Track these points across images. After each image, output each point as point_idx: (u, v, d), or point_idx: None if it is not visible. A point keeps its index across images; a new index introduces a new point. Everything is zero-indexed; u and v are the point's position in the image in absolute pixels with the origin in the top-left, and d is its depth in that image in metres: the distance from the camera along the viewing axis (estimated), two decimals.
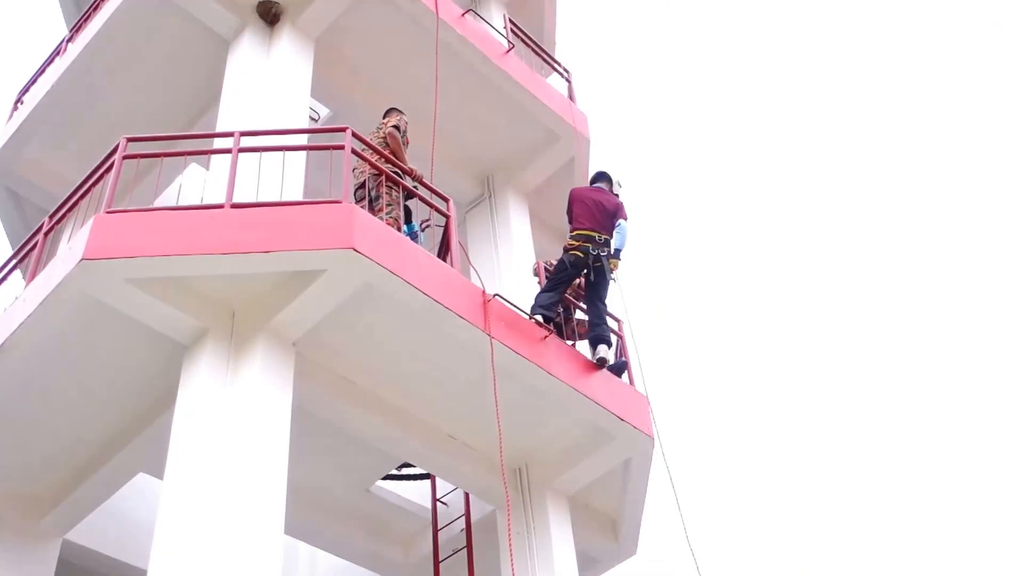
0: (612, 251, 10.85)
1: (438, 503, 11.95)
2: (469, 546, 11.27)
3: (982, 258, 30.40)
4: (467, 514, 11.54)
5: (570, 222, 11.19)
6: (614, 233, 10.93)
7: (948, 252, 30.73)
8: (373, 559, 12.03)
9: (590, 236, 10.78)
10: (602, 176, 11.65)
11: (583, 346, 11.60)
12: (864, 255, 31.51)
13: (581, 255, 10.73)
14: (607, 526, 11.72)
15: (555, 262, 11.93)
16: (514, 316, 10.13)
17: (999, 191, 30.95)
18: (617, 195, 11.44)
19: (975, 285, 29.74)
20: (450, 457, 10.44)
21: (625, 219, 11.04)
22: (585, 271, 10.85)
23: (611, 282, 10.90)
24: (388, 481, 12.09)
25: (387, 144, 10.78)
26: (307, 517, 11.29)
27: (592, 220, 10.90)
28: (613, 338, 11.33)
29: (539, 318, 10.41)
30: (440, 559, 11.48)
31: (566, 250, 10.87)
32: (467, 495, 11.56)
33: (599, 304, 10.96)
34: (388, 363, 9.77)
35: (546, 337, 10.26)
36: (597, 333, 10.90)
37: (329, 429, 10.13)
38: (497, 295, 10.00)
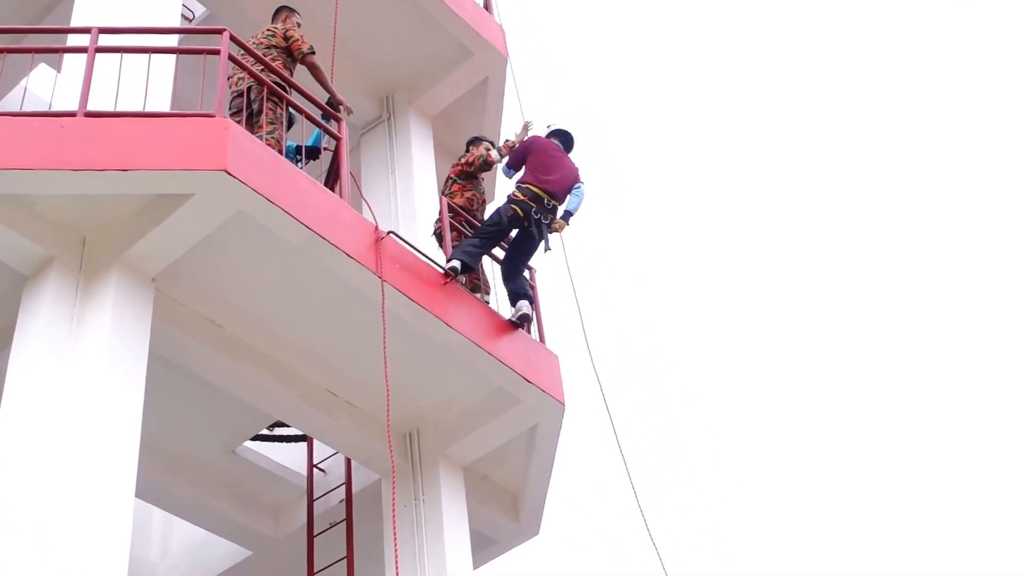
0: (563, 212, 11.06)
1: (314, 469, 11.99)
2: (349, 519, 11.33)
3: (982, 258, 31.31)
4: (348, 483, 11.58)
5: (514, 168, 11.34)
6: (571, 194, 11.14)
7: (948, 252, 31.61)
8: (238, 530, 12.05)
9: (540, 197, 10.89)
10: (562, 135, 11.72)
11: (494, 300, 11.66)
12: (860, 246, 32.28)
13: (521, 213, 10.85)
14: (507, 502, 11.85)
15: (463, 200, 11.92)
16: (411, 257, 10.16)
17: (999, 191, 31.87)
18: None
19: (975, 285, 30.63)
20: (330, 417, 10.48)
21: (583, 183, 11.28)
22: (516, 230, 11.02)
23: (541, 247, 11.00)
24: (258, 442, 12.10)
25: (289, 54, 10.72)
26: (163, 480, 11.25)
27: (548, 181, 11.02)
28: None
29: (456, 264, 10.44)
30: (315, 532, 11.54)
31: (509, 200, 10.95)
32: (348, 461, 11.60)
33: (520, 263, 11.18)
34: (262, 306, 9.76)
35: (446, 283, 10.30)
36: (516, 287, 11.04)
37: (191, 379, 10.10)
38: (392, 232, 10.01)
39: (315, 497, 11.79)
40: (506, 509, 11.80)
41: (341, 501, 11.56)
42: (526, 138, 11.48)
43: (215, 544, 12.50)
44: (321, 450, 12.01)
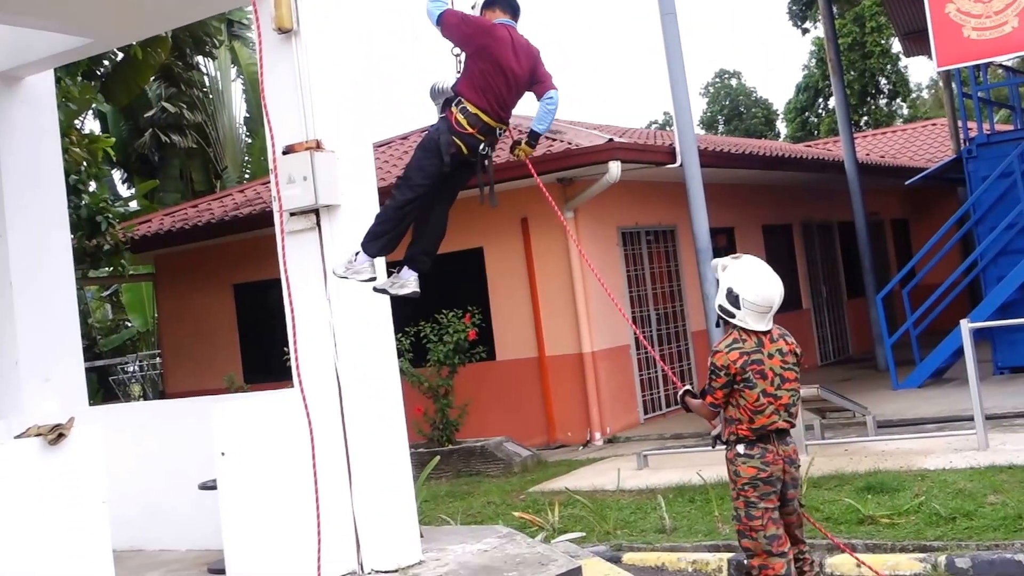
0: (528, 135, 7.80)
1: None
2: None
3: None
4: None
5: (453, 40, 7.66)
6: (541, 109, 7.65)
7: None
8: None
9: (492, 129, 7.55)
10: (508, 4, 7.76)
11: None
12: None
13: (466, 151, 7.52)
14: None
15: None
16: None
17: None
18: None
19: None
20: None
21: (555, 88, 7.64)
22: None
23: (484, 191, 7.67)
24: None
25: None
26: None
27: (501, 99, 7.52)
28: None
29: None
30: None
31: (449, 128, 7.49)
32: None
33: (444, 202, 7.84)
34: None
35: None
36: (425, 245, 7.84)
37: None
38: None
39: None
40: None
41: None
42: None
43: None
44: None
